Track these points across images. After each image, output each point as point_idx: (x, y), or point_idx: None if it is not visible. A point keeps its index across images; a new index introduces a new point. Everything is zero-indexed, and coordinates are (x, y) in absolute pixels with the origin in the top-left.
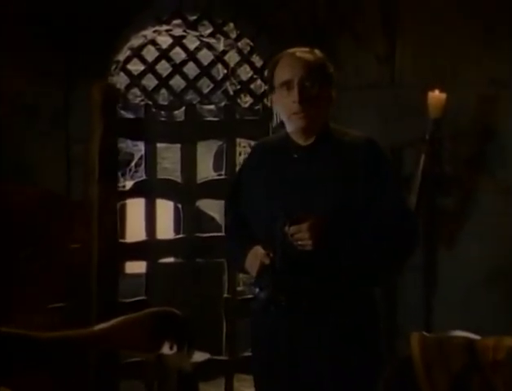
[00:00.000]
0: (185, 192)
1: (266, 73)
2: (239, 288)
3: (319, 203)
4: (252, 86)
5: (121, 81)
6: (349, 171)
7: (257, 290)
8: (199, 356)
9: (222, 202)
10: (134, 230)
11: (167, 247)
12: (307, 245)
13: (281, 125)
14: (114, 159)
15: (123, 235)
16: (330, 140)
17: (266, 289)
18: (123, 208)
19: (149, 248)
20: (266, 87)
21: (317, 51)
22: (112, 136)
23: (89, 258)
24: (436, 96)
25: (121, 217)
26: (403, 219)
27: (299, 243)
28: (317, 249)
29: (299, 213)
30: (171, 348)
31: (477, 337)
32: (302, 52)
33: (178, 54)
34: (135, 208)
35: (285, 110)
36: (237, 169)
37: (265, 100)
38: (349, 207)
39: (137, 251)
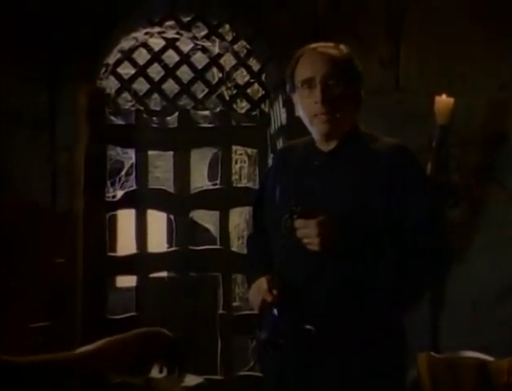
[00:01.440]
0: (178, 203)
1: (286, 71)
2: (235, 304)
3: (335, 212)
4: (249, 91)
5: (110, 85)
6: (371, 181)
7: (257, 329)
8: (191, 379)
9: (217, 213)
10: (127, 243)
11: (159, 260)
12: (314, 244)
13: (281, 131)
14: (102, 167)
15: (114, 248)
16: (354, 146)
17: (265, 330)
18: (114, 220)
19: (140, 262)
20: (288, 88)
21: (343, 46)
22: (99, 143)
23: (74, 274)
24: (443, 101)
25: (111, 229)
26: (431, 240)
27: (305, 240)
28: (325, 254)
29: (309, 207)
30: (161, 371)
31: (490, 359)
32: (325, 47)
33: (171, 57)
34: (127, 220)
35: (307, 112)
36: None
37: (262, 106)
38: (367, 221)
39: (127, 265)
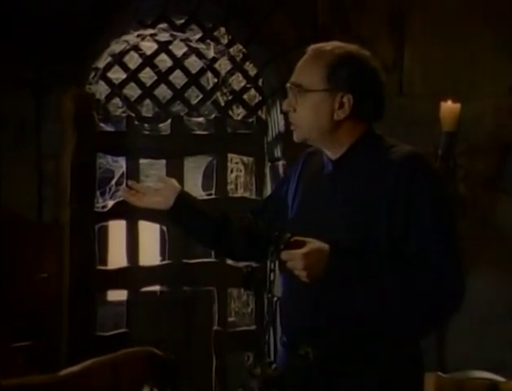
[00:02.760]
0: None
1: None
2: (230, 319)
3: (335, 229)
4: (245, 97)
5: (100, 90)
6: (374, 194)
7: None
8: None
9: None
10: (118, 256)
11: (151, 274)
12: (302, 276)
13: (278, 139)
14: (90, 176)
15: (104, 261)
16: (363, 155)
17: (256, 379)
18: (104, 231)
19: (131, 276)
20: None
21: (338, 50)
22: (86, 150)
23: (60, 289)
24: (449, 107)
25: (102, 240)
26: (437, 272)
27: (295, 272)
28: (317, 284)
29: (296, 234)
30: None
31: (501, 379)
32: (318, 48)
33: (164, 61)
34: (119, 231)
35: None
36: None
37: (259, 112)
38: (369, 239)
39: (117, 279)
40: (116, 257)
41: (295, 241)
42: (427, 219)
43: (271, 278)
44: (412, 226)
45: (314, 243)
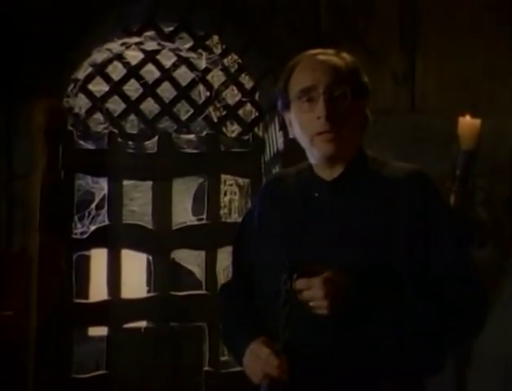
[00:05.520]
0: (157, 241)
1: (278, 84)
2: (223, 359)
3: (344, 257)
4: (240, 112)
5: (80, 103)
6: (386, 217)
7: None
8: None
9: (203, 253)
10: (102, 288)
11: (134, 308)
12: (321, 308)
13: (277, 158)
14: (65, 199)
15: (86, 294)
16: (362, 173)
17: None
18: (86, 261)
19: (112, 310)
20: (280, 105)
21: (346, 54)
22: (59, 170)
23: (26, 328)
24: (468, 123)
25: (84, 271)
26: (464, 287)
27: (311, 304)
28: (336, 316)
29: (311, 263)
30: None
31: None
32: (326, 54)
33: (151, 72)
34: (104, 261)
35: (306, 130)
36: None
37: (256, 129)
38: (385, 265)
39: (97, 314)
40: (99, 290)
41: (309, 270)
42: (449, 239)
43: (286, 310)
44: (434, 248)
45: (332, 269)
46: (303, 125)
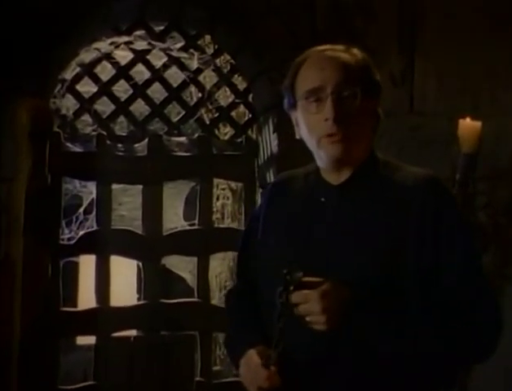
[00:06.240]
0: (148, 247)
1: (284, 82)
2: (215, 368)
3: (349, 267)
4: (233, 114)
5: (67, 105)
6: (395, 223)
7: None
8: None
9: (195, 259)
10: (91, 295)
11: (124, 316)
12: (319, 323)
13: (271, 161)
14: (50, 203)
15: (74, 302)
16: (372, 178)
17: None
18: (75, 267)
19: (100, 319)
20: (286, 104)
21: (357, 50)
22: (45, 173)
23: (10, 338)
24: (469, 125)
25: (73, 278)
26: (477, 305)
27: (307, 319)
28: (335, 332)
29: (309, 274)
30: None
31: None
32: (335, 50)
33: (141, 72)
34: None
35: (313, 132)
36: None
37: (249, 131)
38: (391, 275)
39: (85, 322)
40: (88, 297)
41: (307, 282)
42: (463, 253)
43: (281, 325)
44: (446, 259)
45: (330, 282)
46: (310, 127)
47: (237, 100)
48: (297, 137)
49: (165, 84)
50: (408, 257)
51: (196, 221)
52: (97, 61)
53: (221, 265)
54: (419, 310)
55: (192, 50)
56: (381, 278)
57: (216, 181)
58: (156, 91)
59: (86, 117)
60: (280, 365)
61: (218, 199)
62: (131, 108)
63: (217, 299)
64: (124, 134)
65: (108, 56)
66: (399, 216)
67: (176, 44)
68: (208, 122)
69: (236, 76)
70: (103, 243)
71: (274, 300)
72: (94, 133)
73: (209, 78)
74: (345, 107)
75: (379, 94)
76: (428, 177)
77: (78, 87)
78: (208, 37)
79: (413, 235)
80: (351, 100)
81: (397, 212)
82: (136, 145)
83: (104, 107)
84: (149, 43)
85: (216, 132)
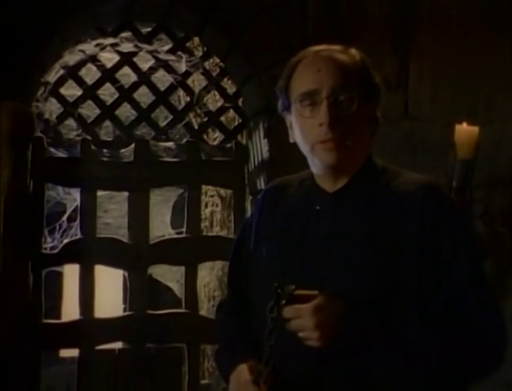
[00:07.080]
0: (134, 256)
1: (279, 83)
2: (203, 382)
3: (344, 278)
4: (222, 119)
5: (51, 109)
6: (393, 232)
7: None
8: None
9: (183, 269)
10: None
11: (109, 328)
12: (312, 339)
13: (261, 168)
14: (32, 211)
15: (58, 313)
16: (369, 185)
17: None
18: (59, 277)
19: (84, 331)
20: (280, 106)
21: (355, 51)
22: (26, 180)
23: None
24: (465, 131)
25: (57, 288)
26: (479, 319)
27: (300, 335)
28: (329, 348)
29: (301, 286)
30: None
31: None
32: (332, 51)
33: (127, 75)
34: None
35: (307, 137)
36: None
37: (239, 136)
38: (389, 286)
39: (68, 334)
40: (73, 309)
41: (299, 295)
42: (464, 263)
43: (271, 342)
44: (446, 270)
45: (324, 295)
46: (304, 132)
47: (227, 104)
48: (291, 140)
49: (153, 87)
50: (407, 267)
51: (184, 230)
52: (82, 63)
53: (209, 275)
54: (417, 324)
55: (180, 53)
56: (378, 289)
57: (205, 188)
58: (143, 95)
59: (70, 122)
60: (270, 382)
61: (206, 206)
62: (117, 112)
63: (205, 310)
64: (109, 139)
65: (93, 58)
66: (397, 225)
67: (164, 46)
68: (196, 127)
69: (225, 79)
70: (88, 252)
71: (265, 315)
72: (78, 138)
73: (197, 82)
74: (341, 112)
75: (378, 97)
76: (428, 184)
77: (62, 90)
78: (196, 40)
79: (412, 245)
80: (348, 105)
81: (395, 220)
82: (122, 150)
83: (89, 111)
84: (136, 45)
85: (205, 137)
